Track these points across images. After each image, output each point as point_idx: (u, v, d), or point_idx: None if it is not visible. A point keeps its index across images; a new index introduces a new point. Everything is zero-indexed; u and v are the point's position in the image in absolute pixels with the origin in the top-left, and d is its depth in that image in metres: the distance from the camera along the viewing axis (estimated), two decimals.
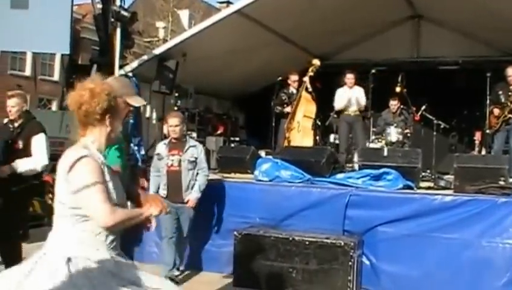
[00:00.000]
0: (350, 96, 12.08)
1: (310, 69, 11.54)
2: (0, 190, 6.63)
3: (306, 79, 11.55)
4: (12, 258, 6.57)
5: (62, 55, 18.80)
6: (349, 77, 12.13)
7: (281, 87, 12.22)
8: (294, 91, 11.92)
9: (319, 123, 13.28)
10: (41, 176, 7.01)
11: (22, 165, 6.50)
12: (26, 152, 6.59)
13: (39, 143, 6.63)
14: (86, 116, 3.34)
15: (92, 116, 3.34)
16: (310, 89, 11.62)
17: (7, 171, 6.46)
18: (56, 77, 33.96)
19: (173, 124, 7.69)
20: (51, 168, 6.65)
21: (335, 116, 12.38)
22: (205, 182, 7.81)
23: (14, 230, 6.75)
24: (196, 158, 7.72)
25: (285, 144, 11.58)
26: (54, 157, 7.24)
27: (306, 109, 11.61)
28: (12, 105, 6.71)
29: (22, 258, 6.86)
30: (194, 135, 14.14)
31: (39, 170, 6.65)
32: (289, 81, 12.06)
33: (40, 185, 7.17)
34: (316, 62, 11.57)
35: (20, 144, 6.64)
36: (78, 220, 3.23)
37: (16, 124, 6.77)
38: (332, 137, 13.33)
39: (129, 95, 4.39)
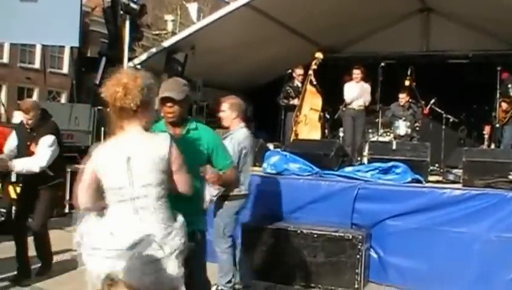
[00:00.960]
0: (358, 90, 12.10)
1: (314, 63, 11.57)
2: (29, 188, 7.02)
3: (310, 72, 11.56)
4: (42, 251, 7.18)
5: (71, 47, 18.91)
6: (356, 72, 12.23)
7: (287, 81, 12.25)
8: (300, 84, 11.96)
9: (328, 116, 13.28)
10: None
11: (19, 165, 6.61)
12: None
13: (43, 144, 6.71)
14: (121, 111, 3.60)
15: (127, 111, 3.60)
16: (315, 82, 11.63)
17: (4, 167, 6.67)
18: (65, 69, 33.98)
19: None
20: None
21: (344, 109, 12.37)
22: None
23: (42, 225, 7.05)
24: None
25: (293, 137, 11.59)
26: (64, 149, 7.35)
27: (312, 102, 11.64)
28: (29, 118, 6.81)
29: (51, 252, 7.37)
30: None
31: (36, 171, 6.66)
32: (294, 75, 12.11)
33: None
34: (319, 55, 11.59)
35: (34, 148, 6.76)
36: (164, 197, 3.66)
37: (32, 126, 6.89)
38: (341, 130, 13.30)
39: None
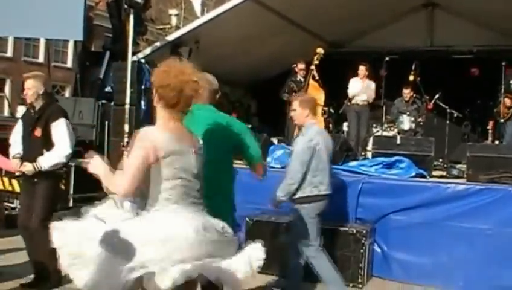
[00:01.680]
0: (362, 87, 12.13)
1: (315, 58, 11.55)
2: (28, 180, 6.44)
3: (312, 67, 11.57)
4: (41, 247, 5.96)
5: (75, 42, 18.90)
6: (361, 69, 12.31)
7: (290, 76, 12.26)
8: (302, 79, 11.97)
9: (332, 111, 13.29)
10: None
11: (46, 162, 6.16)
12: (45, 141, 6.22)
13: (59, 131, 6.24)
14: (188, 105, 3.55)
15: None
16: (317, 77, 11.63)
17: (31, 170, 6.16)
18: (69, 63, 33.99)
19: None
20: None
21: (348, 104, 12.38)
22: None
23: (42, 219, 6.13)
24: None
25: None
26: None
27: (315, 97, 11.64)
28: (29, 87, 6.33)
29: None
30: None
31: (65, 161, 6.34)
32: (296, 70, 12.11)
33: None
34: (320, 50, 11.57)
35: (39, 132, 6.26)
36: None
37: (37, 108, 6.38)
38: (345, 125, 13.29)
39: None
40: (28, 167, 6.17)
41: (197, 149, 3.56)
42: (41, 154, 6.23)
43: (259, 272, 3.75)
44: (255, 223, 7.72)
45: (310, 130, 6.31)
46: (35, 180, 6.26)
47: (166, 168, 3.41)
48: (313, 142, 6.17)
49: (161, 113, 3.55)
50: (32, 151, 6.30)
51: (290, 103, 11.90)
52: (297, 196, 6.17)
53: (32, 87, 6.34)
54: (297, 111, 6.39)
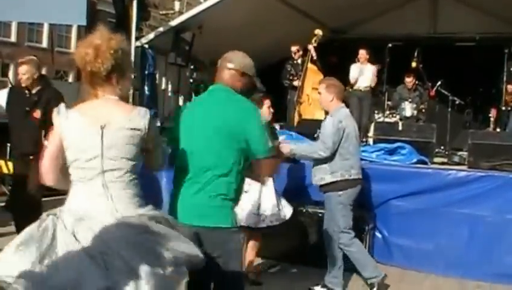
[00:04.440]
0: (362, 72, 12.11)
1: (313, 40, 11.54)
2: (20, 161, 6.58)
3: (310, 47, 11.55)
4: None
5: (79, 27, 18.91)
6: (361, 53, 12.24)
7: (287, 59, 12.29)
8: (299, 61, 11.98)
9: None
10: None
11: None
12: (43, 123, 6.20)
13: None
14: (92, 76, 3.22)
15: (98, 76, 3.21)
16: (315, 58, 11.61)
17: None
18: (73, 49, 33.94)
19: None
20: None
21: (350, 90, 12.38)
22: None
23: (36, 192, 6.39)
24: None
25: (297, 117, 11.62)
26: None
27: (314, 80, 11.60)
28: (23, 72, 6.52)
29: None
30: None
31: None
32: (292, 52, 12.13)
33: None
34: (318, 32, 11.56)
35: (39, 113, 6.42)
36: (136, 173, 3.29)
37: (34, 91, 6.58)
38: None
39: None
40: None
41: (111, 124, 3.22)
42: (38, 135, 6.29)
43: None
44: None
45: (339, 113, 6.20)
46: (31, 158, 6.23)
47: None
48: (343, 124, 6.07)
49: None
50: (28, 131, 6.43)
51: (291, 87, 12.03)
52: (328, 181, 6.07)
53: (26, 72, 6.52)
54: (322, 94, 6.30)
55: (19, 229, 6.25)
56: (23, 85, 6.58)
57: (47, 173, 3.23)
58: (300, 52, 11.93)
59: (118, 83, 3.28)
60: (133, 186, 3.21)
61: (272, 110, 6.66)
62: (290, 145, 6.14)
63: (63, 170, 3.22)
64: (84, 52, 3.16)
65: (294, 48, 12.05)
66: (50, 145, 3.23)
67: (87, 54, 3.15)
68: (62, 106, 3.23)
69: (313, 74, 11.68)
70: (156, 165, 3.54)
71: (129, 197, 3.16)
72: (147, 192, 3.34)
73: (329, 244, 6.29)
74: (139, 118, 3.22)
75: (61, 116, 3.19)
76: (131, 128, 3.17)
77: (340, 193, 6.08)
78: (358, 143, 6.42)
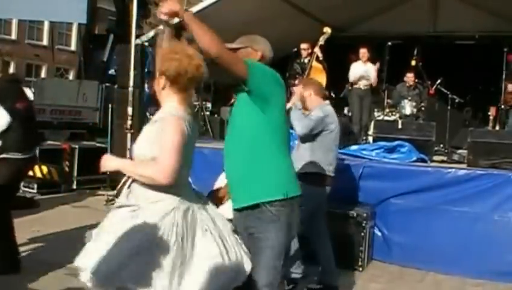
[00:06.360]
0: (363, 70, 12.13)
1: (321, 38, 11.37)
2: None
3: (316, 49, 11.48)
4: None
5: (79, 24, 18.92)
6: (362, 52, 12.26)
7: (294, 58, 12.24)
8: (306, 60, 11.92)
9: (334, 95, 13.29)
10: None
11: None
12: None
13: None
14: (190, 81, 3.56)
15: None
16: (321, 58, 11.54)
17: None
18: (73, 46, 34.06)
19: None
20: (69, 137, 6.42)
21: (350, 88, 12.40)
22: None
23: None
24: None
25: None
26: (72, 126, 7.22)
27: (317, 79, 11.60)
28: None
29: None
30: (209, 105, 14.23)
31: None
32: (301, 50, 12.05)
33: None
34: (327, 30, 11.20)
35: None
36: None
37: None
38: (346, 109, 13.33)
39: None
40: None
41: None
42: None
43: None
44: None
45: (326, 108, 6.11)
46: None
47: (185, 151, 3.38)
48: (329, 119, 6.00)
49: (171, 97, 3.53)
50: None
51: (293, 85, 12.01)
52: (308, 170, 5.85)
53: None
54: (306, 96, 6.19)
55: None
56: None
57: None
58: (309, 51, 11.83)
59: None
60: None
61: None
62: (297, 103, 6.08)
63: None
64: (202, 67, 3.64)
65: (304, 45, 11.85)
66: (180, 147, 3.33)
67: (182, 61, 3.54)
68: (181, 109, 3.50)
69: (316, 73, 11.60)
70: None
71: None
72: None
73: (317, 240, 6.31)
74: None
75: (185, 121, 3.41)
76: None
77: (319, 189, 6.03)
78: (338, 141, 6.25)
